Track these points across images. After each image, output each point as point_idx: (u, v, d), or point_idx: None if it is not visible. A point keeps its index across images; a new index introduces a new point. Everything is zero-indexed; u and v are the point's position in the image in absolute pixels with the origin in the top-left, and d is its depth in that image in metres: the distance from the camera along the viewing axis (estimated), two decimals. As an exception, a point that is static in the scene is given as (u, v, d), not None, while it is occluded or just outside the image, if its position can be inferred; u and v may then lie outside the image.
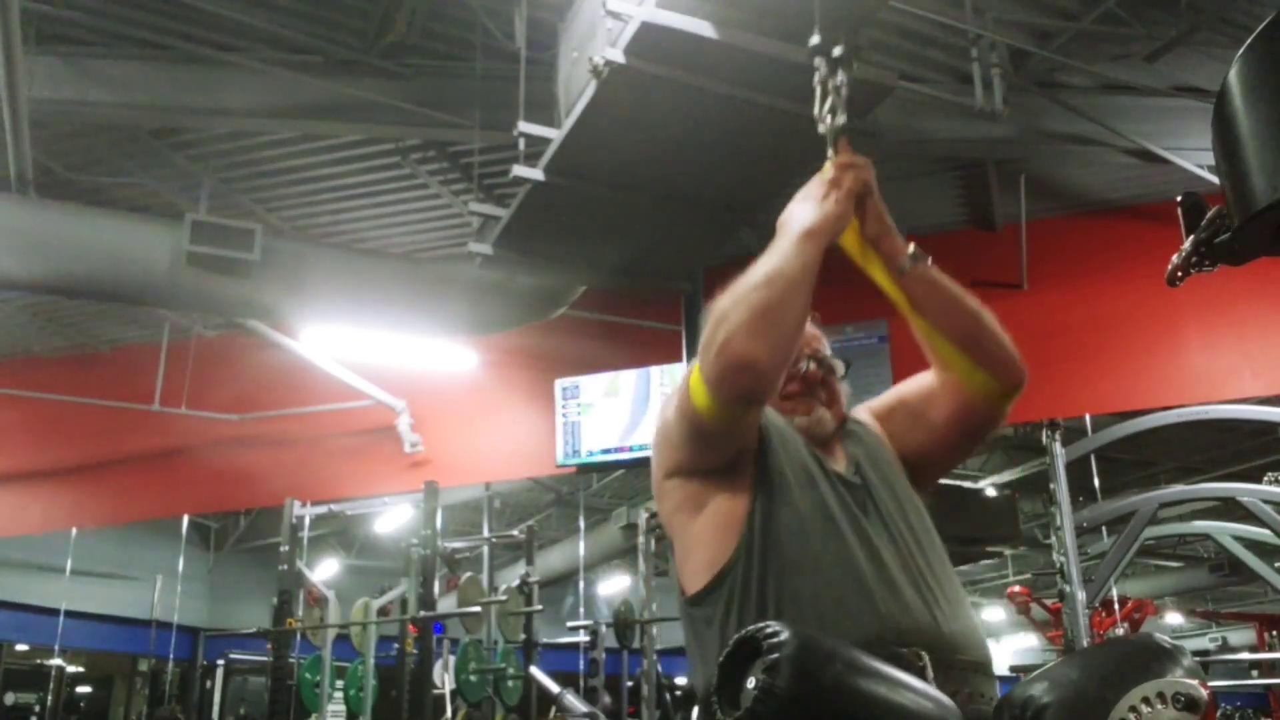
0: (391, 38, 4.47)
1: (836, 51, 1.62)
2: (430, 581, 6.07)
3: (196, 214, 4.83)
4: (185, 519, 10.79)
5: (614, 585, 13.91)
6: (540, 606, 6.99)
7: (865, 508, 1.53)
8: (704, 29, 3.18)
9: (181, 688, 12.73)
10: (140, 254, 4.72)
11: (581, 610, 11.68)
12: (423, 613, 5.96)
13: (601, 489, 11.23)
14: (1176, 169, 4.90)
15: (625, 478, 10.78)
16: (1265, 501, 5.33)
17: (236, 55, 4.55)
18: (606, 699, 8.56)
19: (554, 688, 2.84)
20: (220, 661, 13.03)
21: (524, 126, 3.79)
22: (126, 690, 13.23)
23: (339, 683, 6.96)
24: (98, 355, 7.32)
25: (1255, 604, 15.49)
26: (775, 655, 1.13)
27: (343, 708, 7.02)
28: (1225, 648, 15.44)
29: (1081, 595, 4.73)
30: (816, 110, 1.63)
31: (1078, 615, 4.66)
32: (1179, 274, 1.39)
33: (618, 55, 3.23)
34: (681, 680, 11.58)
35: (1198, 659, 1.48)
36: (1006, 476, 9.24)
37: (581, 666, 9.78)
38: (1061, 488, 4.89)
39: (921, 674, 1.34)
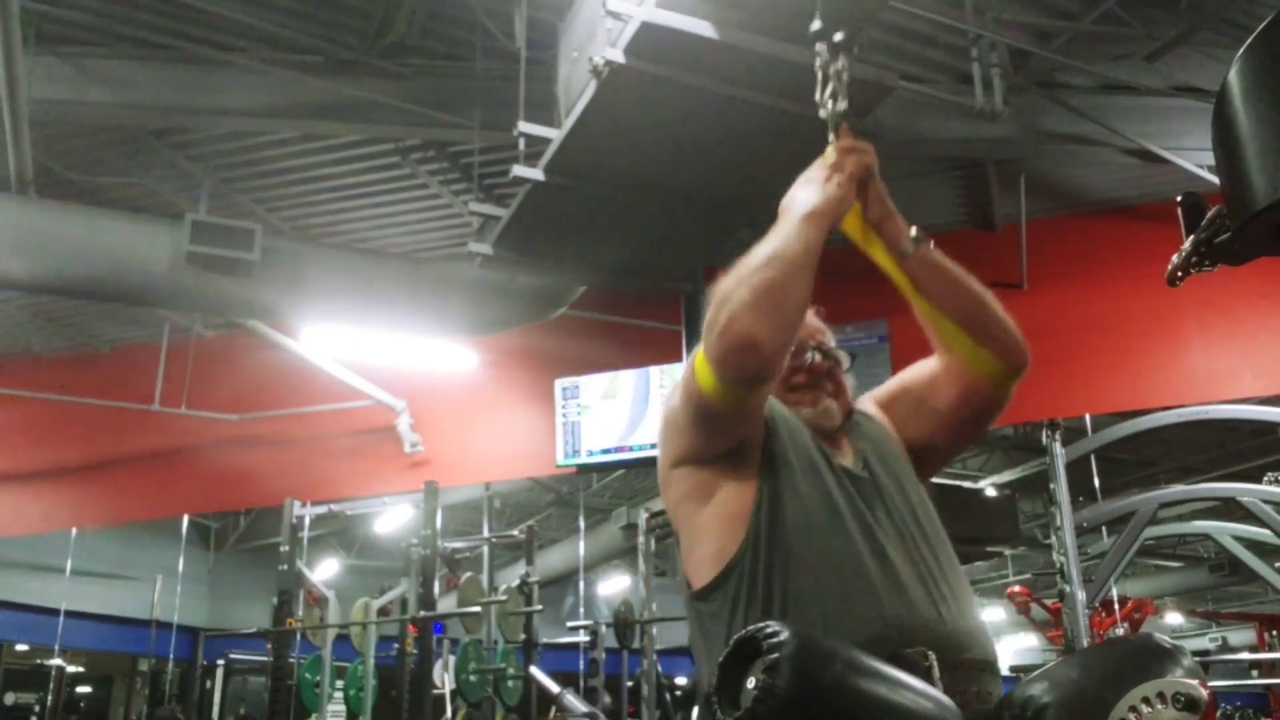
0: (391, 38, 4.47)
1: (837, 37, 1.63)
2: (430, 581, 6.07)
3: (196, 214, 4.84)
4: (185, 519, 10.79)
5: (614, 585, 13.91)
6: (540, 606, 6.98)
7: (872, 503, 1.52)
8: (704, 29, 3.18)
9: (181, 688, 12.73)
10: (140, 254, 4.72)
11: (581, 610, 11.69)
12: (423, 613, 5.96)
13: (601, 489, 11.23)
14: (1176, 169, 4.90)
15: (625, 478, 10.79)
16: (1265, 501, 5.33)
17: (236, 55, 4.55)
18: (606, 699, 8.56)
19: (554, 688, 2.84)
20: (220, 661, 13.03)
21: (524, 126, 3.79)
22: (126, 690, 13.23)
23: (339, 683, 6.95)
24: (98, 355, 7.32)
25: (1255, 604, 15.49)
26: (775, 655, 1.13)
27: (343, 708, 7.02)
28: (1225, 648, 15.44)
29: (1081, 595, 4.73)
30: (818, 95, 1.64)
31: (1078, 615, 4.66)
32: (1179, 274, 1.38)
33: (618, 55, 3.23)
34: (682, 680, 11.60)
35: (1198, 659, 1.48)
36: (1006, 476, 9.24)
37: (581, 666, 9.78)
38: (1061, 488, 4.89)
39: (928, 673, 1.33)
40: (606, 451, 5.85)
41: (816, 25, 1.62)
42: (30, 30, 4.22)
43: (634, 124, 3.61)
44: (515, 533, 7.53)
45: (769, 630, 1.17)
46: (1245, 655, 12.87)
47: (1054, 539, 4.86)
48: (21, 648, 12.27)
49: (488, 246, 4.42)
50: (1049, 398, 5.33)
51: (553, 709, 6.26)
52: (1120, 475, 9.48)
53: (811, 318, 1.71)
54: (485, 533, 8.20)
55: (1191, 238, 1.34)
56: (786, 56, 3.22)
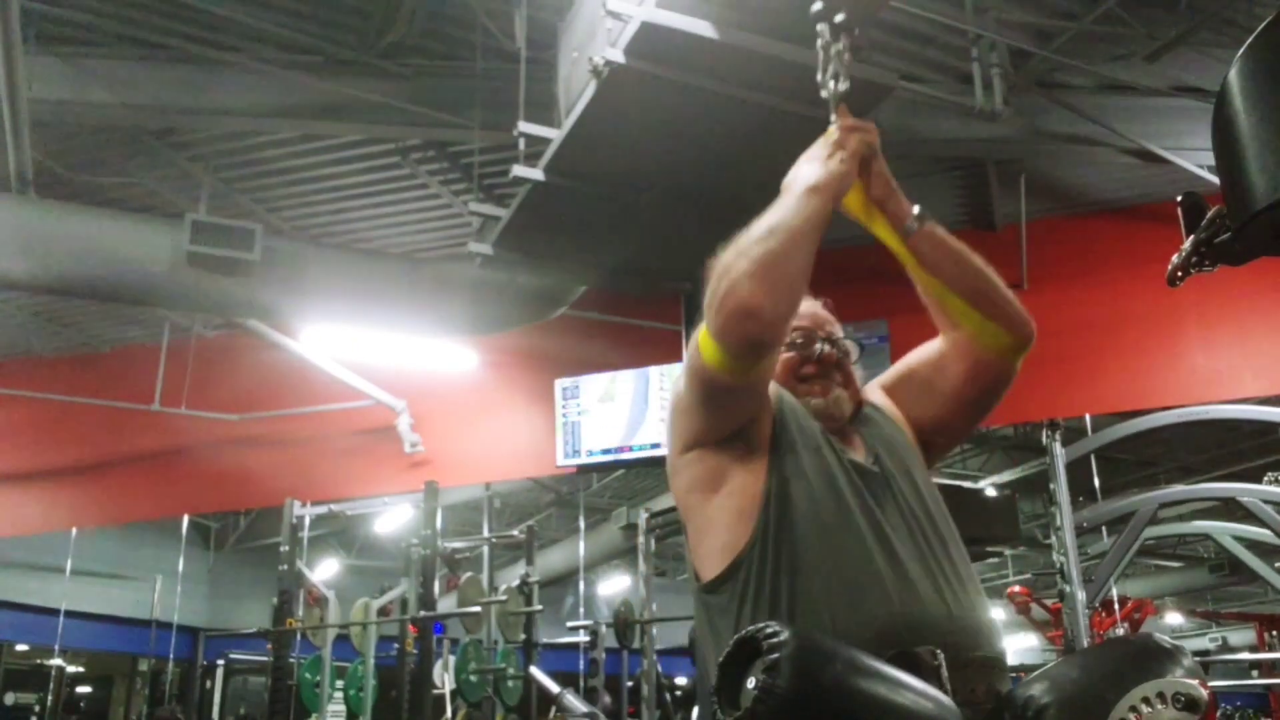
0: (391, 38, 4.47)
1: (838, 18, 1.64)
2: (430, 581, 6.07)
3: (196, 214, 4.84)
4: (185, 519, 10.79)
5: (614, 585, 13.92)
6: (540, 606, 6.99)
7: (881, 498, 1.52)
8: (704, 29, 3.18)
9: (181, 688, 12.73)
10: (140, 254, 4.72)
11: (581, 610, 11.68)
12: (423, 613, 5.96)
13: (601, 489, 11.24)
14: (1176, 169, 4.90)
15: (625, 478, 10.79)
16: (1265, 501, 5.33)
17: (236, 55, 4.55)
18: (606, 699, 8.56)
19: (554, 688, 2.84)
20: (220, 661, 13.04)
21: (524, 126, 3.79)
22: (126, 690, 13.23)
23: (339, 683, 6.96)
24: (98, 355, 7.32)
25: (1255, 604, 15.49)
26: (775, 655, 1.14)
27: (343, 708, 7.02)
28: (1225, 648, 15.44)
29: (1081, 595, 4.73)
30: (819, 76, 1.65)
31: (1078, 615, 4.66)
32: (1179, 274, 1.38)
33: (618, 55, 3.23)
34: (682, 680, 11.60)
35: (1198, 659, 1.48)
36: (1006, 476, 9.24)
37: (581, 666, 9.79)
38: (1061, 488, 4.89)
39: (936, 672, 1.33)
40: (606, 451, 5.85)
41: (818, 5, 1.63)
42: (30, 30, 4.22)
43: (634, 124, 3.61)
44: (515, 533, 7.54)
45: (769, 630, 1.17)
46: (1245, 655, 12.88)
47: (1054, 539, 4.86)
48: (21, 648, 12.28)
49: (488, 246, 4.42)
50: (1049, 398, 5.33)
51: (553, 709, 6.26)
52: (1120, 475, 9.48)
53: (820, 310, 1.72)
54: (485, 533, 8.21)
55: (1191, 238, 1.34)
56: (786, 56, 3.22)
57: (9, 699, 11.94)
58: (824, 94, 1.64)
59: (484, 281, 5.02)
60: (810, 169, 1.53)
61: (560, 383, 6.00)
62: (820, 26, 1.65)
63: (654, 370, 5.81)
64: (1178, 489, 6.15)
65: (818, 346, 1.66)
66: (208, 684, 13.16)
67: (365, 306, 5.13)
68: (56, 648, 10.79)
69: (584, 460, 5.94)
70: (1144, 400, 5.63)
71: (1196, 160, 4.84)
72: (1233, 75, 1.14)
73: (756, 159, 3.80)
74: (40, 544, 10.02)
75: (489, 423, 6.66)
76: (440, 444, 6.65)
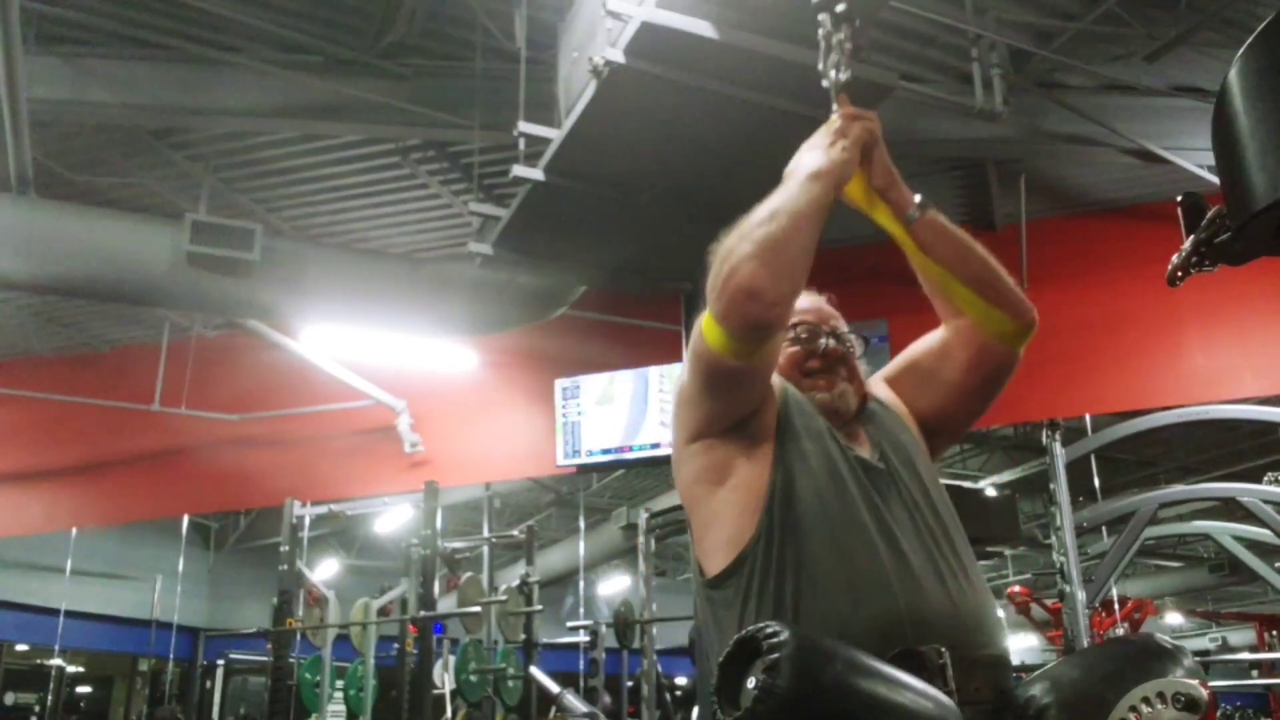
0: (391, 38, 4.47)
1: (839, 7, 1.65)
2: (430, 581, 6.07)
3: (196, 214, 4.84)
4: (185, 519, 10.80)
5: (614, 585, 13.92)
6: (540, 606, 6.99)
7: (887, 494, 1.52)
8: (704, 29, 3.18)
9: (181, 688, 12.73)
10: (140, 254, 4.72)
11: (581, 610, 11.68)
12: (423, 613, 5.96)
13: (601, 489, 11.24)
14: (1176, 169, 4.90)
15: (625, 478, 10.80)
16: (1265, 501, 5.33)
17: (236, 55, 4.55)
18: (606, 699, 8.56)
19: (554, 688, 2.84)
20: (220, 661, 13.04)
21: (524, 126, 3.79)
22: (126, 690, 13.24)
23: (339, 683, 6.96)
24: (98, 355, 7.32)
25: (1255, 604, 15.49)
26: (775, 655, 1.14)
27: (343, 708, 7.03)
28: (1225, 648, 15.44)
29: (1081, 595, 4.73)
30: (820, 65, 1.66)
31: (1078, 615, 4.66)
32: (1179, 274, 1.38)
33: (618, 55, 3.24)
34: (682, 680, 11.60)
35: (1198, 659, 1.48)
36: (1006, 476, 9.24)
37: (581, 666, 9.79)
38: (1061, 488, 4.89)
39: (941, 671, 1.33)
40: (606, 452, 5.85)
41: None
42: (30, 30, 4.22)
43: (634, 124, 3.61)
44: (515, 533, 7.54)
45: (769, 630, 1.17)
46: (1245, 655, 12.87)
47: (1054, 539, 4.87)
48: (21, 648, 12.28)
49: (488, 246, 4.42)
50: (1049, 398, 5.33)
51: (553, 709, 6.26)
52: (1120, 475, 9.49)
53: (824, 304, 1.73)
54: (485, 533, 8.21)
55: (1191, 238, 1.34)
56: (786, 56, 3.22)
57: (9, 699, 11.94)
58: (825, 84, 1.65)
59: (484, 281, 5.02)
60: (812, 156, 1.53)
61: (560, 383, 6.00)
62: (821, 16, 1.66)
63: (653, 370, 5.80)
64: (1178, 489, 6.15)
65: (822, 341, 1.66)
66: (208, 684, 13.16)
67: (365, 306, 5.13)
68: (56, 648, 10.79)
69: (584, 460, 5.94)
70: (1144, 400, 5.63)
71: (1196, 160, 4.84)
72: (1233, 75, 1.14)
73: (756, 159, 3.80)
74: (40, 544, 10.03)
75: (489, 423, 6.66)
76: (440, 444, 6.65)
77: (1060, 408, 5.42)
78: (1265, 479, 5.93)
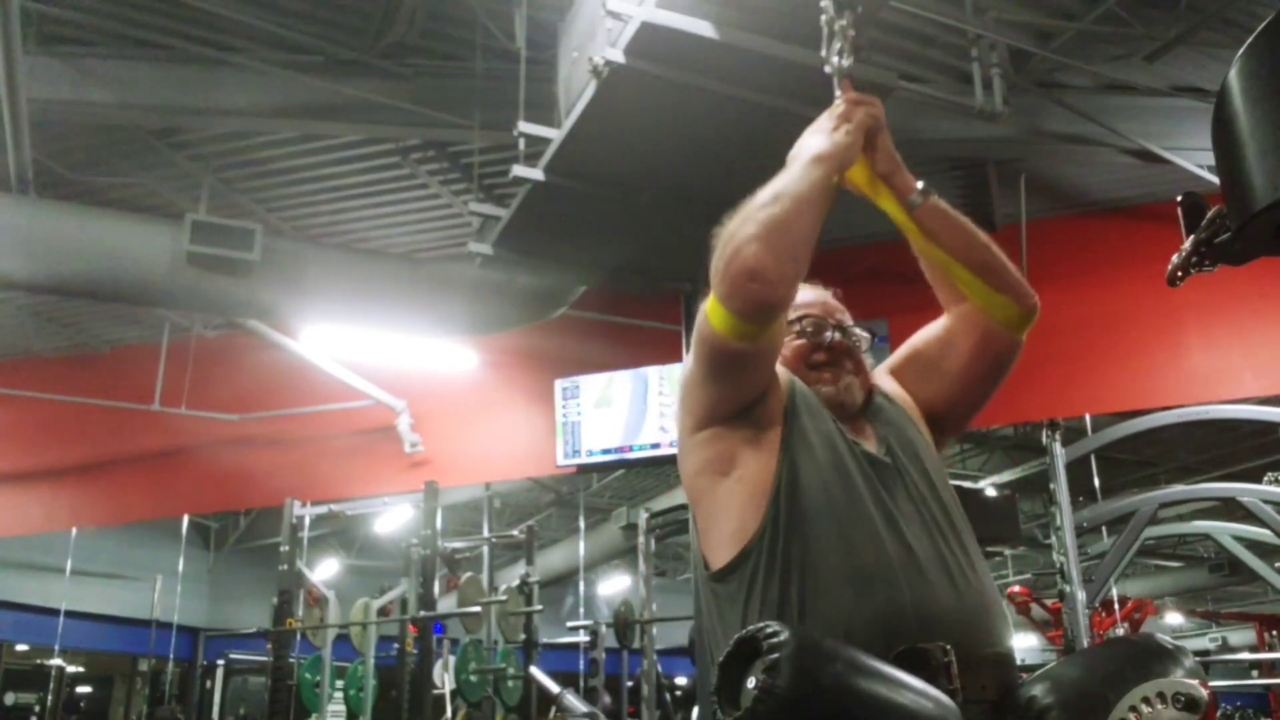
0: (391, 38, 4.47)
1: None
2: (430, 581, 6.07)
3: (196, 214, 4.84)
4: (185, 519, 10.80)
5: (614, 585, 13.92)
6: (540, 606, 6.99)
7: (893, 489, 1.51)
8: (704, 29, 3.18)
9: (181, 688, 12.74)
10: (140, 254, 4.72)
11: (581, 610, 11.68)
12: (423, 613, 5.96)
13: (601, 489, 11.24)
14: (1176, 169, 4.90)
15: (625, 478, 10.80)
16: (1265, 501, 5.34)
17: (236, 55, 4.55)
18: (606, 699, 8.56)
19: (554, 688, 2.85)
20: (220, 661, 13.04)
21: (524, 126, 3.79)
22: (126, 690, 13.24)
23: (339, 683, 6.97)
24: (98, 355, 7.32)
25: (1255, 604, 15.48)
26: (775, 655, 1.14)
27: (343, 708, 7.03)
28: (1225, 648, 15.43)
29: (1081, 595, 4.74)
30: (823, 51, 1.67)
31: (1078, 615, 4.66)
32: (1179, 274, 1.38)
33: (618, 55, 3.24)
34: (682, 680, 11.60)
35: (1198, 659, 1.48)
36: (1006, 476, 9.24)
37: (581, 666, 9.78)
38: (1061, 488, 4.90)
39: (947, 669, 1.32)
40: (606, 452, 5.85)
41: None
42: (30, 30, 4.22)
43: (634, 124, 3.61)
44: (515, 533, 7.55)
45: (769, 630, 1.17)
46: (1245, 655, 12.88)
47: (1054, 539, 4.87)
48: (21, 648, 12.28)
49: (488, 246, 4.42)
50: (1049, 398, 5.33)
51: (553, 709, 6.26)
52: (1120, 475, 9.49)
53: (830, 298, 1.73)
54: (485, 533, 8.21)
55: (1191, 238, 1.34)
56: (786, 56, 3.23)
57: (9, 699, 11.94)
58: (828, 70, 1.66)
59: (484, 281, 5.02)
60: (816, 140, 1.54)
61: (560, 383, 6.00)
62: (825, 3, 1.67)
63: (653, 371, 5.80)
64: (1178, 489, 6.16)
65: (828, 334, 1.66)
66: (208, 684, 13.16)
67: (365, 306, 5.13)
68: (56, 648, 10.79)
69: (584, 460, 5.94)
70: (1144, 400, 5.63)
71: (1196, 160, 4.84)
72: (1233, 75, 1.14)
73: (757, 159, 3.80)
74: (40, 544, 10.03)
75: (489, 423, 6.66)
76: (440, 444, 6.65)
77: (1060, 408, 5.42)
78: (1265, 479, 5.94)
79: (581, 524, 10.88)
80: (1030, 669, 1.64)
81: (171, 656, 11.27)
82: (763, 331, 1.47)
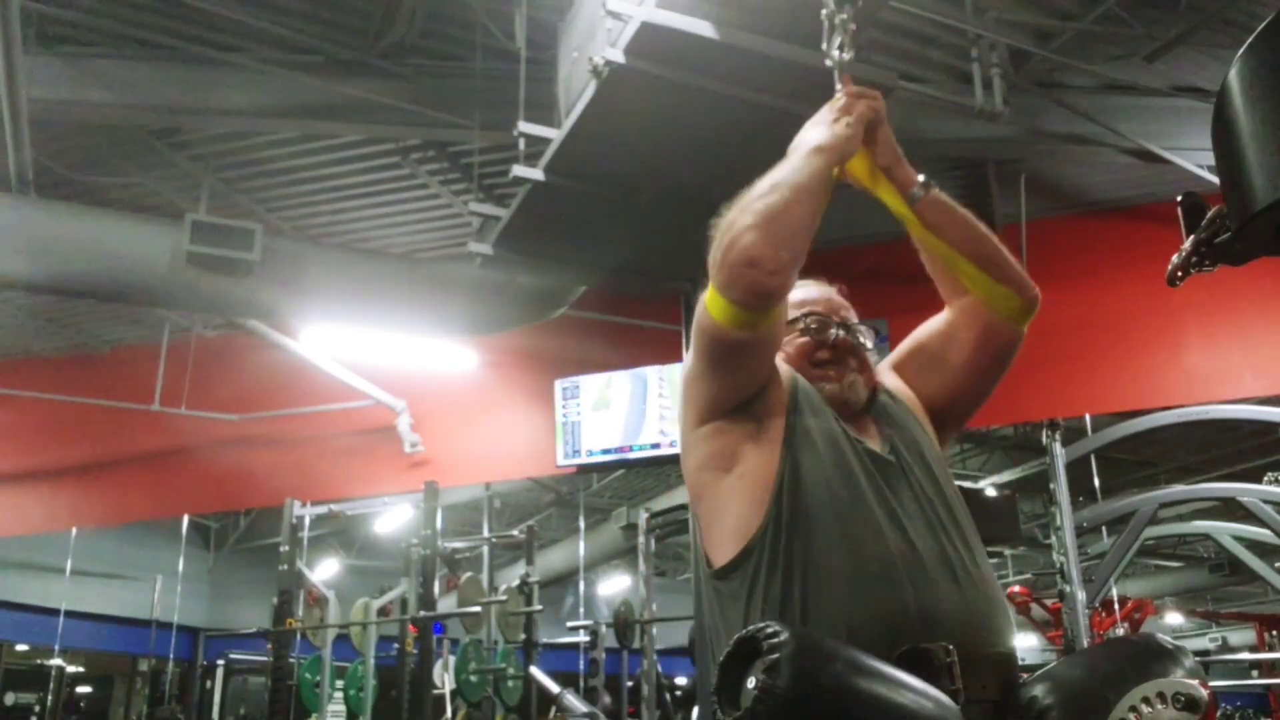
0: (391, 38, 4.47)
1: None
2: (430, 581, 6.08)
3: (196, 214, 4.83)
4: (185, 519, 10.80)
5: (614, 585, 13.92)
6: (540, 606, 6.99)
7: (897, 487, 1.50)
8: (704, 29, 3.18)
9: (181, 688, 12.73)
10: (140, 254, 4.72)
11: (581, 610, 11.68)
12: (423, 613, 5.96)
13: (601, 489, 11.24)
14: (1176, 169, 4.90)
15: (625, 478, 10.80)
16: (1265, 501, 5.34)
17: (236, 55, 4.55)
18: (606, 699, 8.56)
19: (554, 688, 2.85)
20: (220, 661, 13.04)
21: (524, 126, 3.79)
22: (126, 690, 13.24)
23: (339, 683, 6.97)
24: (98, 355, 7.32)
25: (1255, 604, 15.48)
26: (775, 655, 1.13)
27: (343, 708, 7.03)
28: (1225, 648, 15.43)
29: (1081, 595, 4.74)
30: (824, 45, 1.68)
31: (1078, 615, 4.66)
32: (1179, 274, 1.38)
33: (618, 55, 3.24)
34: (682, 680, 11.60)
35: (1198, 659, 1.48)
36: (1006, 476, 9.25)
37: (581, 666, 9.78)
38: (1061, 488, 4.90)
39: (949, 669, 1.32)
40: (606, 452, 5.86)
41: None
42: (30, 30, 4.21)
43: (634, 124, 3.62)
44: (515, 533, 7.55)
45: (769, 630, 1.17)
46: (1245, 655, 12.88)
47: (1054, 539, 4.87)
48: (21, 648, 12.28)
49: (488, 246, 4.43)
50: (1049, 398, 5.33)
51: (553, 709, 6.26)
52: (1120, 475, 9.48)
53: (835, 295, 1.72)
54: (485, 533, 8.21)
55: (1191, 238, 1.34)
56: (786, 56, 3.23)
57: (9, 699, 11.94)
58: (828, 63, 1.67)
59: (484, 281, 5.02)
60: (816, 131, 1.54)
61: (560, 383, 6.00)
62: None
63: (652, 371, 5.81)
64: (1178, 489, 6.16)
65: (832, 331, 1.66)
66: (208, 684, 13.16)
67: (365, 306, 5.13)
68: (56, 648, 10.79)
69: (584, 460, 5.94)
70: (1144, 400, 5.63)
71: (1196, 160, 4.84)
72: (1233, 75, 1.14)
73: (757, 159, 3.80)
74: (40, 544, 10.03)
75: (489, 423, 6.66)
76: (440, 444, 6.65)
77: (1060, 408, 5.42)
78: (1265, 479, 5.94)
79: (581, 524, 10.88)
80: (1030, 669, 1.63)
81: (171, 656, 11.27)
82: (762, 320, 1.46)
